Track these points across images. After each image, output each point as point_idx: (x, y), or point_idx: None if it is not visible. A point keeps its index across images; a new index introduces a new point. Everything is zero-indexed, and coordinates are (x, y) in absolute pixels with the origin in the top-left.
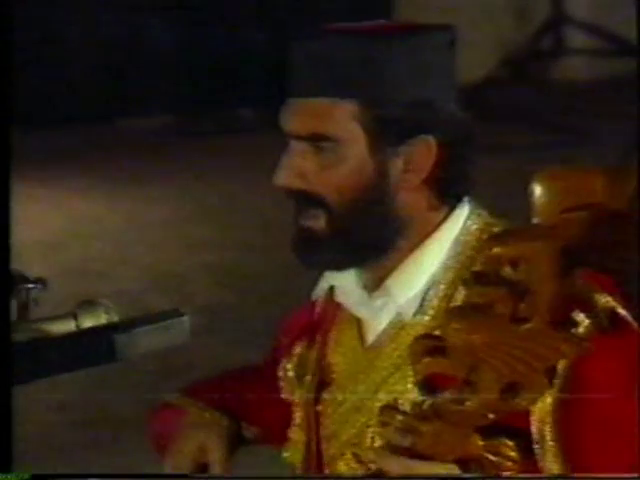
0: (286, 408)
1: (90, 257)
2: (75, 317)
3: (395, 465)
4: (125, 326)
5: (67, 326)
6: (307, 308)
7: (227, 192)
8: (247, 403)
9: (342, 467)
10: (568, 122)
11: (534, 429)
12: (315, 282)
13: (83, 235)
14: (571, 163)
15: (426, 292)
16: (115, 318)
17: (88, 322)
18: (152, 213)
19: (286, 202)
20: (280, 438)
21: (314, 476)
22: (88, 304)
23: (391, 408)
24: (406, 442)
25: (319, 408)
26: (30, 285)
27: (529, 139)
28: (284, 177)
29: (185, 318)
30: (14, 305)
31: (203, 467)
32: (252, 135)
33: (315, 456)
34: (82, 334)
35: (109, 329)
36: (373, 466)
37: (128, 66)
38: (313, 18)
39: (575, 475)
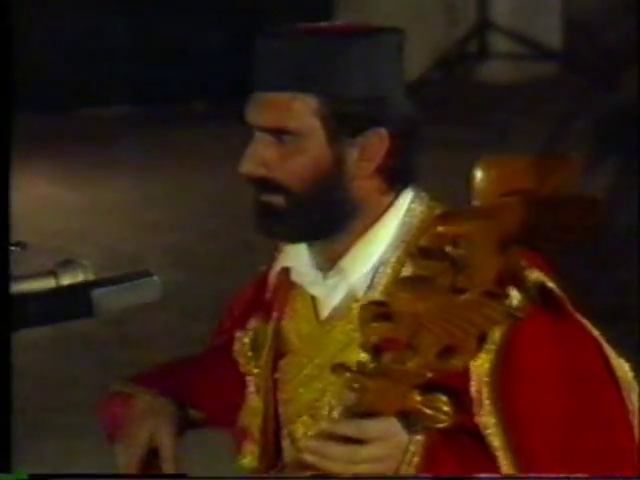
0: (228, 392)
1: (49, 234)
2: (55, 275)
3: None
4: (102, 283)
5: (47, 283)
6: (256, 285)
7: (179, 178)
8: (192, 389)
9: (299, 428)
10: (491, 120)
11: (473, 389)
12: (261, 261)
13: (44, 214)
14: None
15: (376, 270)
16: (92, 277)
17: (67, 280)
18: (110, 196)
19: (235, 188)
20: (225, 420)
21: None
22: (67, 263)
23: (341, 366)
24: (353, 397)
25: (277, 375)
26: (11, 247)
27: (457, 134)
28: (248, 165)
29: (156, 278)
30: None
31: (153, 451)
32: (203, 127)
33: (273, 419)
34: (61, 290)
35: (87, 286)
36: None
37: (92, 60)
38: (265, 19)
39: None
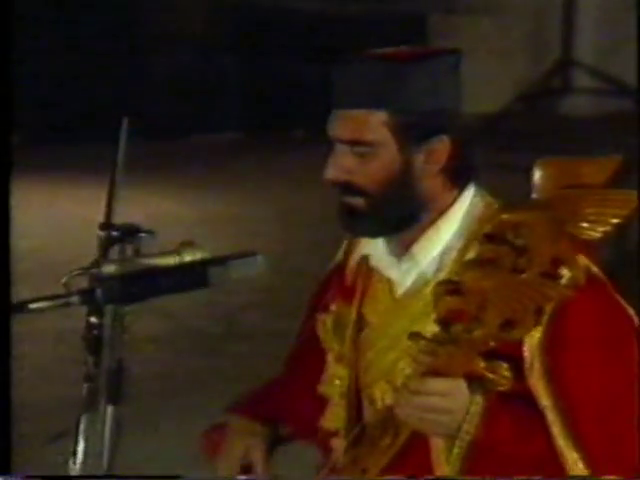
0: (309, 409)
1: (165, 242)
2: (178, 254)
3: (418, 382)
4: (216, 261)
5: (171, 260)
6: (331, 278)
7: (283, 198)
8: (278, 410)
9: (376, 391)
10: (571, 149)
11: (526, 355)
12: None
13: (162, 224)
14: None
15: (443, 255)
16: (208, 256)
17: (187, 258)
18: (222, 211)
19: (329, 207)
20: (310, 431)
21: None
22: (187, 244)
23: (417, 335)
24: (427, 360)
25: (360, 347)
26: (142, 234)
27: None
28: (332, 172)
29: (259, 256)
30: (129, 248)
31: (248, 467)
32: (302, 152)
33: (354, 384)
34: (183, 266)
35: (204, 263)
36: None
37: (204, 91)
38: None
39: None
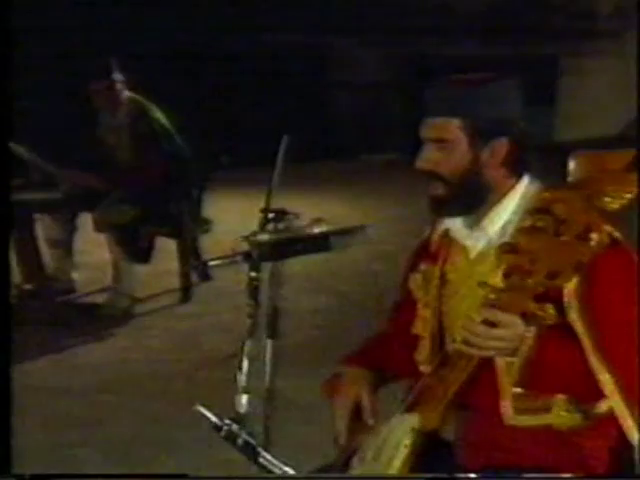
0: (405, 356)
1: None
2: (310, 227)
3: (486, 312)
4: (336, 232)
5: (305, 232)
6: (420, 247)
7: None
8: (382, 359)
9: (456, 331)
10: None
11: (566, 299)
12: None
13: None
14: None
15: (505, 227)
16: (330, 228)
17: (317, 229)
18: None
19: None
20: (406, 369)
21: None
22: (317, 220)
23: (485, 284)
24: (491, 301)
25: (442, 298)
26: (289, 215)
27: None
28: (421, 163)
29: (367, 229)
30: (280, 225)
31: (358, 406)
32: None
33: (438, 325)
34: (314, 236)
35: (327, 234)
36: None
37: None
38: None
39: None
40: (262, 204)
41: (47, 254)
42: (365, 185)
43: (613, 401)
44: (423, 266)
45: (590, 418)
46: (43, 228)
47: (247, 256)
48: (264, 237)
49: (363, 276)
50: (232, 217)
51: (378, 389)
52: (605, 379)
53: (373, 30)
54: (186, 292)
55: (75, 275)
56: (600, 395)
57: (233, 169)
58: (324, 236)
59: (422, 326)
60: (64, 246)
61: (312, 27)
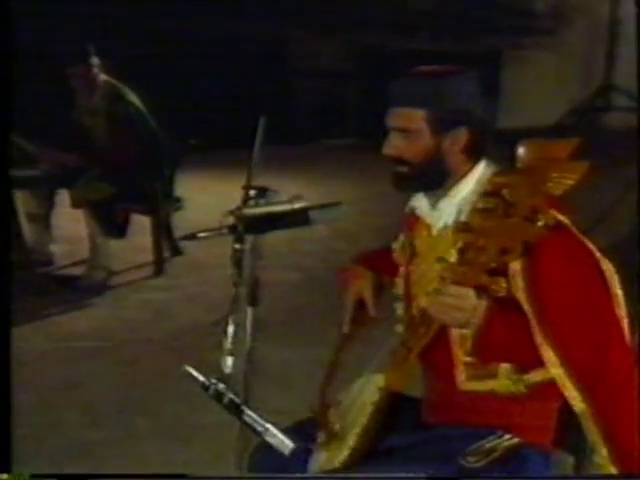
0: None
1: None
2: (290, 203)
3: (443, 287)
4: (314, 207)
5: (286, 207)
6: (404, 219)
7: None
8: (381, 265)
9: (422, 298)
10: (612, 155)
11: (511, 274)
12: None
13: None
14: None
15: (461, 207)
16: (309, 204)
17: (297, 205)
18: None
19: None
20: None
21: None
22: (297, 197)
23: (443, 259)
24: (448, 274)
25: (411, 267)
26: (269, 192)
27: None
28: (387, 150)
29: (343, 206)
30: (261, 200)
31: (361, 300)
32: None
33: (409, 291)
34: (295, 211)
35: (306, 209)
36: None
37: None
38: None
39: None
40: (231, 185)
41: (26, 228)
42: (326, 168)
43: (555, 372)
44: (401, 236)
45: (530, 387)
46: (23, 203)
47: (233, 229)
48: (249, 211)
49: (326, 253)
50: (207, 197)
51: (379, 290)
52: (547, 351)
53: (331, 22)
54: (159, 266)
55: (53, 248)
56: (542, 365)
57: (208, 152)
58: (304, 211)
59: (399, 287)
60: (43, 221)
61: (275, 17)
